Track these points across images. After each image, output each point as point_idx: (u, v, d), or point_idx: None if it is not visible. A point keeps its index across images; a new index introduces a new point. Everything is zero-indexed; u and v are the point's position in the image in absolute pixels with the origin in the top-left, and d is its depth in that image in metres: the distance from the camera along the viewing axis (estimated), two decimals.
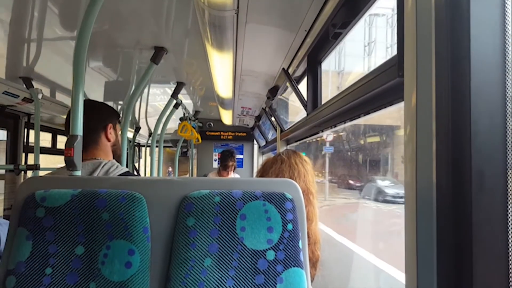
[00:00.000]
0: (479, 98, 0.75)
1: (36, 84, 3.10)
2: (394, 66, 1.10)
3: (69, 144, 1.47)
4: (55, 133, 4.47)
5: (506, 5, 0.77)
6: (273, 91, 3.57)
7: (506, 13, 0.77)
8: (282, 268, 1.05)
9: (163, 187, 1.13)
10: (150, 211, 1.08)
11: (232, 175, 5.15)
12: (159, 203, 1.10)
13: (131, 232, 1.03)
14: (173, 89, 3.57)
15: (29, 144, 3.76)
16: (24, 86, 3.04)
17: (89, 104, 1.73)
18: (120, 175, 1.64)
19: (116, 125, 1.86)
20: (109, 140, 1.77)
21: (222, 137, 6.83)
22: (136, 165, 7.64)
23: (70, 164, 1.47)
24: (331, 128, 2.25)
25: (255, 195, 1.08)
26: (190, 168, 7.08)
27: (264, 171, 1.82)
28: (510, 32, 0.76)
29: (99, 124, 1.75)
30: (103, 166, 1.63)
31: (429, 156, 0.84)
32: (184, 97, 4.35)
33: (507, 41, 0.76)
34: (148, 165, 8.00)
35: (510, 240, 0.75)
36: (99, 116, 1.76)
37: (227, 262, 1.04)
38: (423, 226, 0.86)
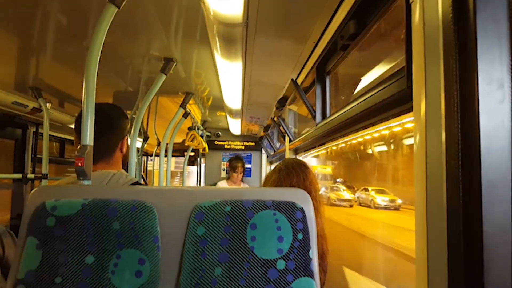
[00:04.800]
0: (488, 108, 0.76)
1: (45, 95, 3.13)
2: (403, 77, 1.10)
3: (80, 153, 1.47)
4: (63, 143, 4.50)
5: None
6: (282, 101, 3.58)
7: None
8: (292, 278, 1.04)
9: (174, 196, 1.13)
10: (161, 220, 1.07)
11: (241, 184, 5.15)
12: (170, 212, 1.10)
13: (142, 242, 1.03)
14: (181, 99, 3.58)
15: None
16: (34, 96, 3.07)
17: (106, 119, 1.65)
18: (129, 185, 1.61)
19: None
20: (122, 152, 1.73)
21: (230, 146, 6.83)
22: (144, 174, 7.64)
23: (80, 174, 1.47)
24: (340, 138, 2.25)
25: (266, 204, 1.08)
26: (198, 178, 7.07)
27: (265, 184, 1.84)
28: None
29: (117, 141, 1.70)
30: (111, 177, 1.61)
31: (439, 166, 0.84)
32: (192, 107, 4.36)
33: None
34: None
35: None
36: (118, 131, 1.71)
37: (237, 271, 1.03)
38: (433, 237, 0.86)
